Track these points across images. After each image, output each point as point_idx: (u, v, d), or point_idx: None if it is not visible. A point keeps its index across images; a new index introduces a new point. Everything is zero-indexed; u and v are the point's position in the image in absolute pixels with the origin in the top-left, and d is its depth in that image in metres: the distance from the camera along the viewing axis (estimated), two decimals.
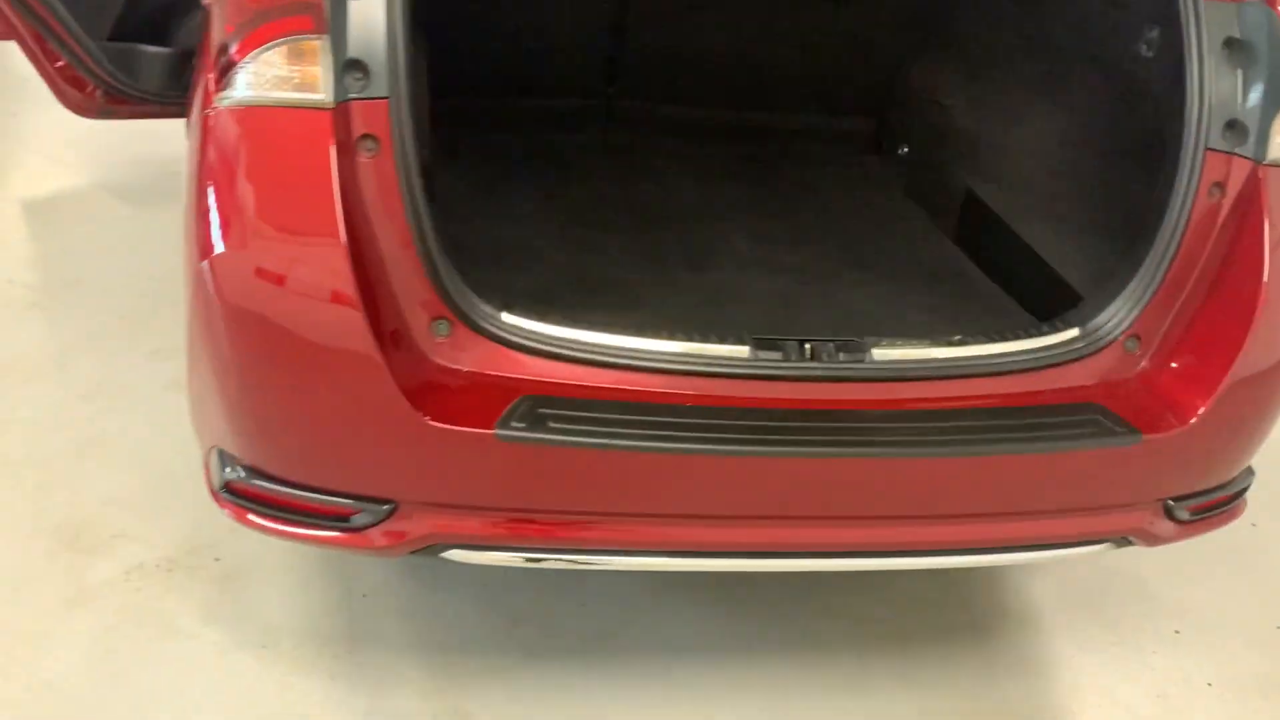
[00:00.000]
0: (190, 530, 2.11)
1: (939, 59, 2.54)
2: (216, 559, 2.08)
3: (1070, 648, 2.08)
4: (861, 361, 1.61)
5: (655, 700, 1.89)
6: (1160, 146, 1.71)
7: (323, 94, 1.41)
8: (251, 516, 1.59)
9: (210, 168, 1.45)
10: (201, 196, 1.45)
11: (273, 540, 1.71)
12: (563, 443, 1.46)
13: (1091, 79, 1.98)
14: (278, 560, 2.07)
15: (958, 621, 2.12)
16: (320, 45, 1.41)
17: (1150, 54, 1.81)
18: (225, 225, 1.43)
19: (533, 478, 1.52)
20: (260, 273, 1.42)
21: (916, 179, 2.57)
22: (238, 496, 1.59)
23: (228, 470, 1.58)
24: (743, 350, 1.59)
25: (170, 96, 2.82)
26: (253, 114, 1.43)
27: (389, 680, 1.90)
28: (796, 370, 1.59)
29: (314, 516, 1.57)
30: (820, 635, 2.05)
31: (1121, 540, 1.78)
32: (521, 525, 1.56)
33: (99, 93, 2.96)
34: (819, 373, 1.59)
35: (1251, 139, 1.64)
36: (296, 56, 1.41)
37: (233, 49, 1.44)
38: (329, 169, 1.39)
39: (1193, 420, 1.63)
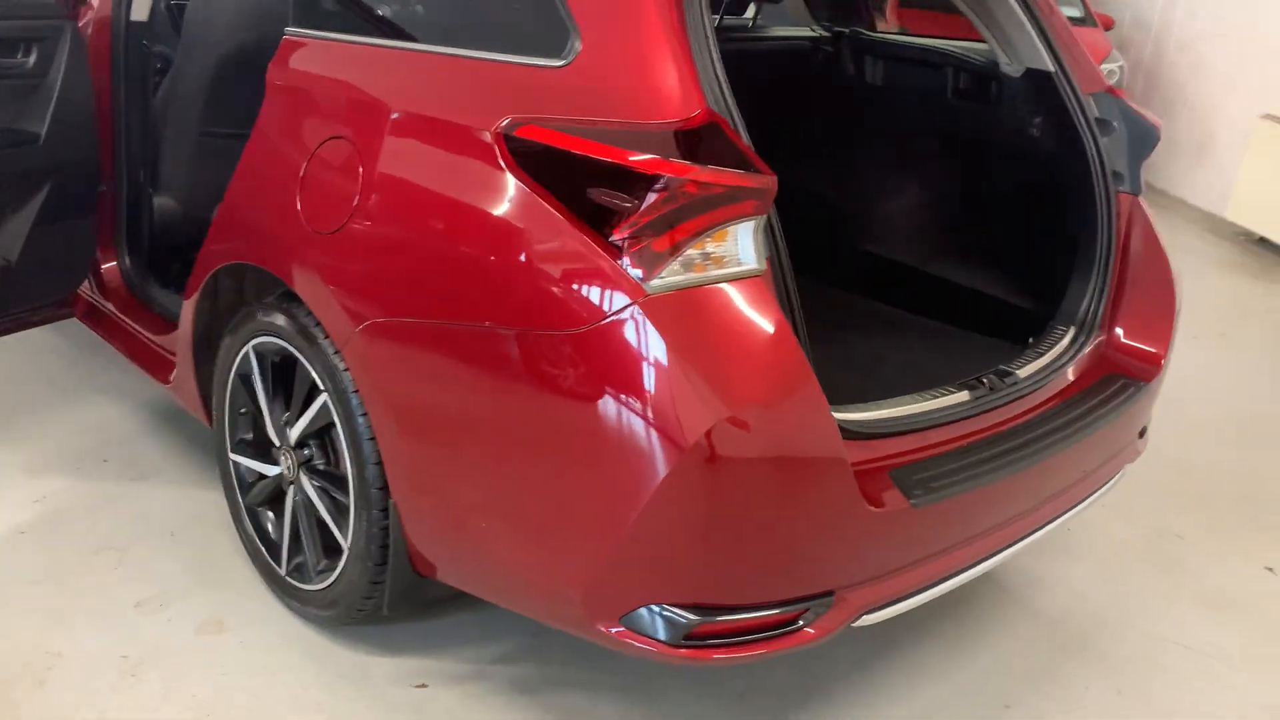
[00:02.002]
0: None
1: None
2: None
3: None
4: (1016, 384, 2.20)
5: None
6: (1058, 192, 2.53)
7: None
8: (716, 655, 1.74)
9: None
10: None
11: None
12: (949, 496, 1.86)
13: (997, 155, 2.76)
14: None
15: None
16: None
17: (1036, 133, 2.63)
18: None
19: (918, 533, 1.88)
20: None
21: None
22: (700, 640, 1.72)
23: (679, 619, 1.71)
24: (965, 395, 2.09)
25: None
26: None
27: None
28: (999, 400, 2.13)
29: (762, 631, 1.77)
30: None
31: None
32: (908, 575, 1.91)
33: None
34: (1002, 399, 2.15)
35: (1128, 181, 2.53)
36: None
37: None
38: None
39: (1163, 364, 2.47)
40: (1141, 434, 2.54)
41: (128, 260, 3.01)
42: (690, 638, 1.72)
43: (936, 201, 2.98)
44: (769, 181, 1.66)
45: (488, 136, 1.77)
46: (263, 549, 2.43)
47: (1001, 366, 2.22)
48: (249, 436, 2.46)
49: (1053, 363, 2.33)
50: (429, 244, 1.84)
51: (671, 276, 1.63)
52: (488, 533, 1.86)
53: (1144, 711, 2.34)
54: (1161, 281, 2.52)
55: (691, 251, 1.64)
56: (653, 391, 1.62)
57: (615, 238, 1.64)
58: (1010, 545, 2.11)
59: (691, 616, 1.71)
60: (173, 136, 3.02)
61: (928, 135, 2.98)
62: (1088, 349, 2.41)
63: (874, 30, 3.27)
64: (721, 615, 1.73)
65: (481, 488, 1.85)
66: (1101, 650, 2.51)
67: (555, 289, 1.69)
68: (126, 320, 2.92)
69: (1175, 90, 7.55)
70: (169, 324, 2.80)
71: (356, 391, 2.03)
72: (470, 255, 1.78)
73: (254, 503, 2.45)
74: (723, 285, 1.66)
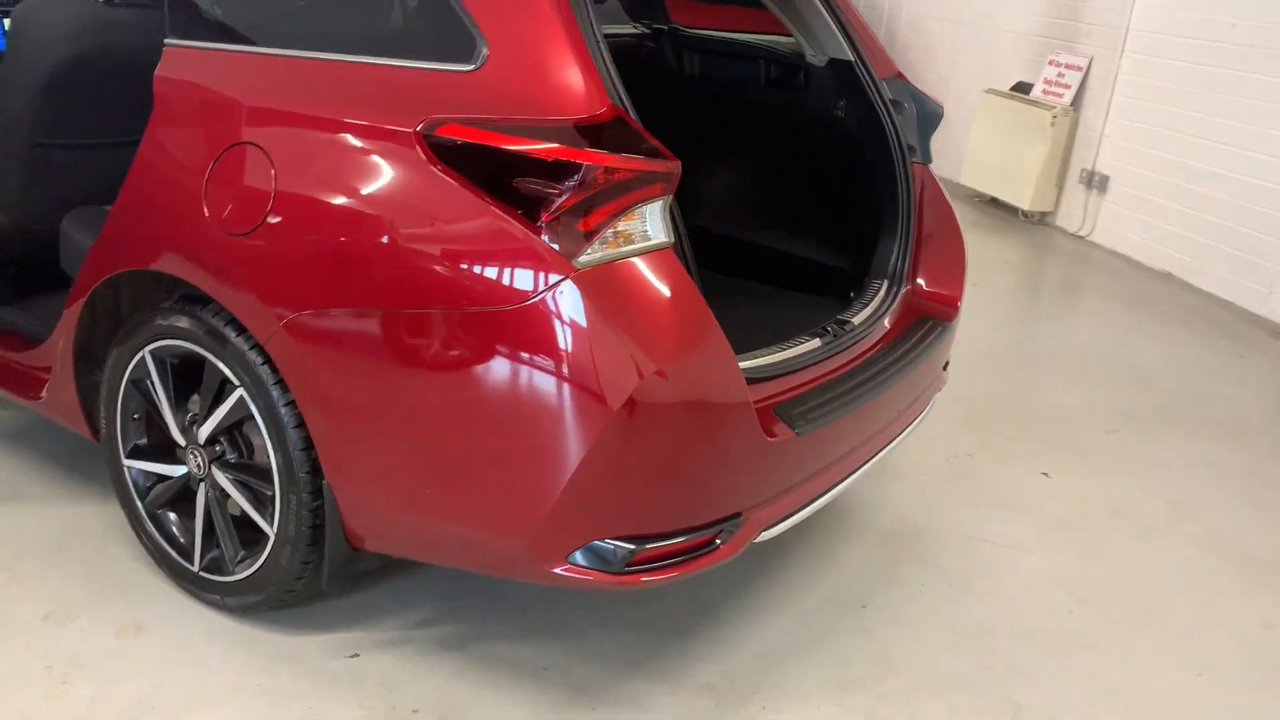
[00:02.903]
0: None
1: None
2: None
3: None
4: (853, 330, 2.58)
5: None
6: (863, 165, 2.95)
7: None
8: (645, 578, 2.00)
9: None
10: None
11: None
12: (823, 425, 2.20)
13: (808, 135, 3.14)
14: None
15: None
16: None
17: (841, 114, 3.03)
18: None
19: (801, 457, 2.22)
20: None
21: None
22: (636, 566, 1.98)
23: (620, 550, 1.96)
24: (817, 341, 2.45)
25: None
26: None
27: None
28: (842, 345, 2.50)
29: (685, 553, 2.05)
30: None
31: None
32: (794, 494, 2.24)
33: None
34: (845, 343, 2.52)
35: (919, 153, 2.97)
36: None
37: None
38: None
39: (959, 305, 2.93)
40: (945, 367, 3.00)
41: None
42: (628, 566, 1.98)
43: (757, 179, 3.35)
44: (674, 166, 1.93)
45: (408, 136, 1.94)
46: (169, 549, 2.48)
47: (838, 317, 2.60)
48: (143, 441, 2.49)
49: (876, 311, 2.73)
50: (352, 240, 1.99)
51: (595, 253, 1.88)
52: (431, 500, 2.04)
53: (970, 594, 2.79)
54: (952, 237, 2.98)
55: (608, 230, 1.89)
56: (587, 354, 1.86)
57: (543, 221, 1.86)
58: (864, 464, 2.49)
59: (629, 546, 1.97)
60: (0, 149, 2.94)
61: (745, 120, 3.33)
62: (899, 298, 2.84)
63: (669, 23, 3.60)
64: (652, 543, 2.00)
65: (424, 460, 2.02)
66: (926, 553, 2.97)
67: (488, 270, 1.89)
68: None
69: (907, 68, 8.39)
70: (27, 341, 2.76)
71: (278, 384, 2.15)
72: (398, 247, 1.95)
73: (154, 505, 2.49)
74: (638, 258, 1.91)
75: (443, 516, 2.06)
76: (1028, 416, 3.93)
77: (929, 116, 2.97)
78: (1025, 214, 6.95)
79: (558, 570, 1.99)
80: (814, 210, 3.20)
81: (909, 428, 2.71)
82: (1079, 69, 6.70)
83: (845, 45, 2.91)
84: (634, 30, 3.60)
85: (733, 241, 3.37)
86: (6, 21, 3.42)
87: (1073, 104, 6.72)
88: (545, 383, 1.87)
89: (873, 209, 2.94)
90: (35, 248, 3.13)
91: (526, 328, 1.88)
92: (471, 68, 1.96)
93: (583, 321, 1.86)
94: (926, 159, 2.99)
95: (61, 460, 3.01)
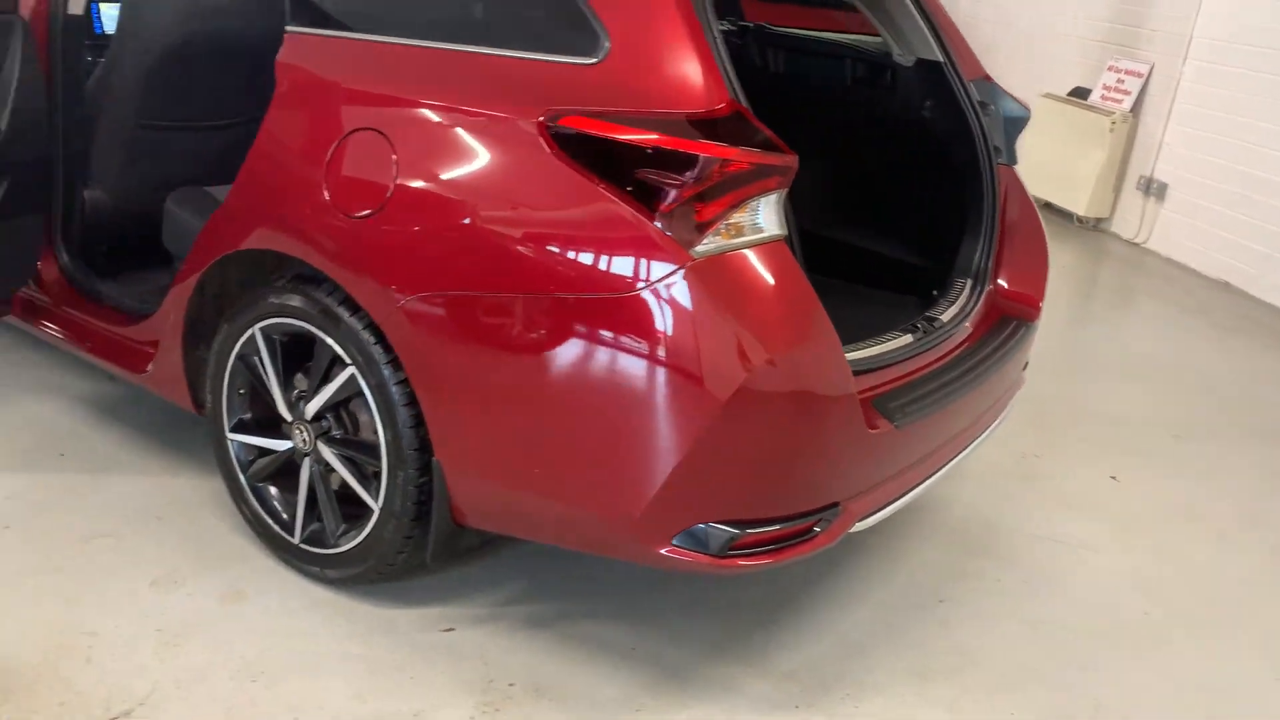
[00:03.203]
0: None
1: None
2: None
3: None
4: (942, 327, 2.62)
5: None
6: (948, 165, 2.98)
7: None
8: (743, 563, 2.06)
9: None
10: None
11: None
12: (920, 418, 2.25)
13: (893, 135, 3.17)
14: None
15: None
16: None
17: (928, 114, 3.06)
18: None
19: (898, 450, 2.26)
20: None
21: None
22: (736, 551, 2.04)
23: (723, 534, 2.02)
24: (909, 337, 2.49)
25: None
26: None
27: None
28: (932, 341, 2.54)
29: (784, 540, 2.10)
30: None
31: None
32: (889, 485, 2.29)
33: None
34: (935, 340, 2.56)
35: (1005, 154, 3.00)
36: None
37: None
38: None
39: (1041, 306, 2.96)
40: (1024, 367, 3.03)
41: (65, 256, 3.01)
42: (729, 550, 2.04)
43: (840, 177, 3.39)
44: (792, 160, 1.98)
45: (530, 126, 2.00)
46: (269, 522, 2.56)
47: (926, 314, 2.64)
48: (248, 416, 2.57)
49: (962, 309, 2.77)
50: (471, 225, 2.05)
51: (711, 243, 1.93)
52: (540, 480, 2.10)
53: (1045, 591, 2.83)
54: (1035, 237, 3.01)
55: (723, 222, 1.94)
56: (701, 341, 1.92)
57: (661, 211, 1.92)
58: (953, 459, 2.53)
59: (732, 531, 2.02)
60: (106, 129, 3.03)
61: (830, 119, 3.37)
62: (983, 297, 2.87)
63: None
64: (753, 529, 2.05)
65: (535, 441, 2.08)
66: (999, 550, 3.00)
67: (605, 258, 1.95)
68: (80, 316, 2.93)
69: None
70: (131, 316, 2.85)
71: (389, 363, 2.22)
72: (516, 233, 2.01)
73: (256, 479, 2.57)
74: (751, 249, 1.97)
75: (550, 496, 2.12)
76: (1091, 419, 3.94)
77: (1016, 118, 3.00)
78: (1080, 220, 6.94)
79: (662, 551, 2.05)
80: (897, 209, 3.23)
81: (993, 425, 2.75)
82: (1139, 75, 6.68)
83: (935, 46, 2.94)
84: (721, 27, 3.65)
85: (815, 238, 3.41)
86: (110, 6, 3.53)
87: (1132, 110, 6.70)
88: (662, 367, 1.93)
89: (957, 209, 2.97)
90: (132, 225, 3.23)
91: (642, 315, 1.93)
92: (594, 61, 2.01)
93: (697, 310, 1.91)
94: (1012, 160, 3.02)
95: (154, 433, 3.10)
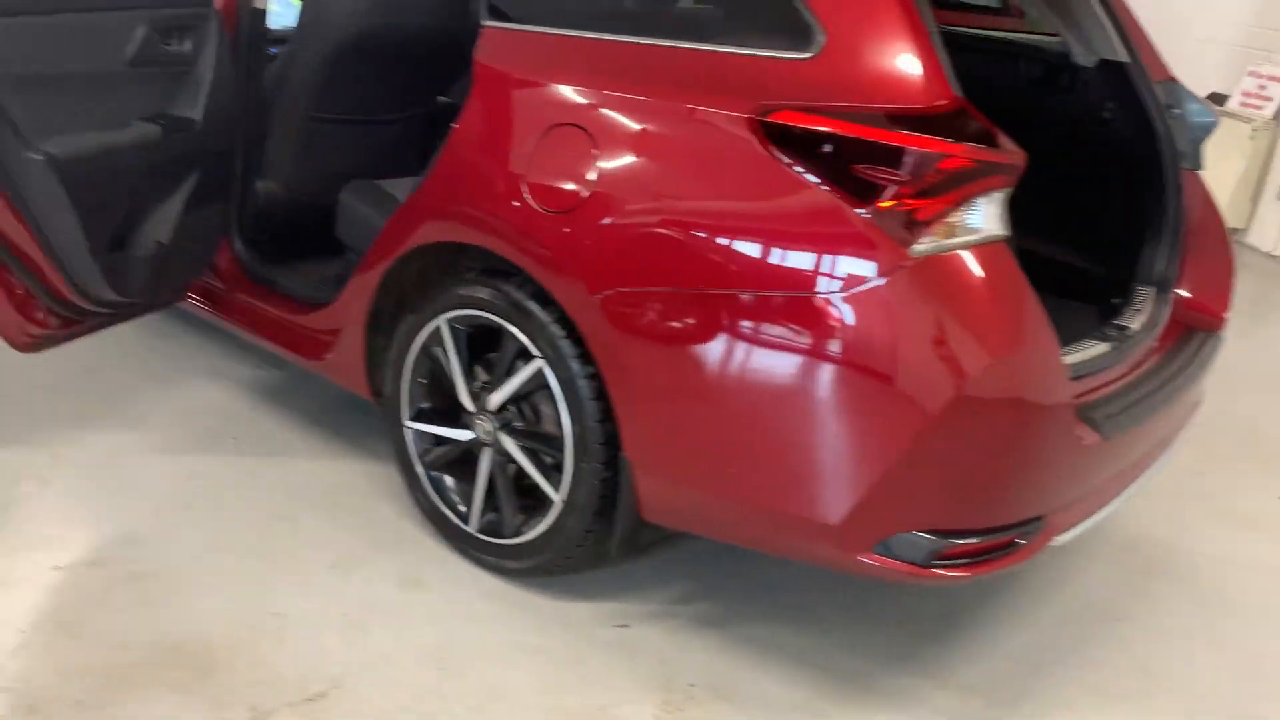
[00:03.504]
0: None
1: None
2: None
3: None
4: (1134, 336, 2.53)
5: None
6: (1131, 169, 2.87)
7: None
8: (943, 574, 2.01)
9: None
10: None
11: None
12: (1125, 430, 2.17)
13: (1073, 138, 3.09)
14: None
15: None
16: None
17: (1110, 116, 2.97)
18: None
19: (1102, 461, 2.19)
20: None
21: None
22: (938, 561, 1.99)
23: (928, 543, 1.97)
24: (1105, 346, 2.41)
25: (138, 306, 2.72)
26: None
27: None
28: (1126, 350, 2.45)
29: (986, 553, 2.05)
30: None
31: None
32: (1090, 499, 2.22)
33: (50, 318, 2.58)
34: (1128, 349, 2.47)
35: (1190, 159, 2.89)
36: None
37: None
38: None
39: (1224, 318, 2.84)
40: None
41: (240, 244, 3.08)
42: (931, 560, 1.99)
43: (1019, 181, 3.30)
44: (1019, 157, 1.92)
45: (739, 120, 1.98)
46: (445, 510, 2.58)
47: (1116, 322, 2.55)
48: (426, 405, 2.60)
49: (1150, 319, 2.67)
50: (675, 221, 2.04)
51: (930, 243, 1.88)
52: (737, 481, 2.08)
53: (1231, 615, 2.72)
54: (1220, 246, 2.89)
55: (944, 221, 1.89)
56: (918, 344, 1.87)
57: (880, 209, 1.88)
58: (1144, 474, 2.44)
59: (937, 541, 1.97)
60: (281, 120, 3.09)
61: (1006, 120, 3.28)
62: (1168, 306, 2.77)
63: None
64: (958, 539, 2.00)
65: (734, 441, 2.06)
66: (1176, 570, 2.89)
67: (819, 256, 1.92)
68: (254, 302, 3.00)
69: None
70: (307, 305, 2.90)
71: (579, 356, 2.22)
72: (724, 229, 1.99)
73: (432, 467, 2.60)
74: (971, 250, 1.91)
75: (743, 498, 2.10)
76: (1253, 437, 3.79)
77: (1202, 123, 2.89)
78: None
79: (860, 559, 2.01)
80: (1075, 214, 3.13)
81: (1180, 438, 2.65)
82: None
83: (1119, 46, 2.84)
84: None
85: None
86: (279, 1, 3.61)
87: (1274, 117, 6.45)
88: (875, 369, 1.89)
89: (1138, 215, 2.87)
90: (300, 215, 3.29)
91: (857, 315, 1.89)
92: (808, 55, 1.98)
93: (914, 311, 1.87)
94: (1197, 165, 2.91)
95: (318, 418, 3.15)
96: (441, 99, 3.37)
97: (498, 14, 2.36)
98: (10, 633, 2.20)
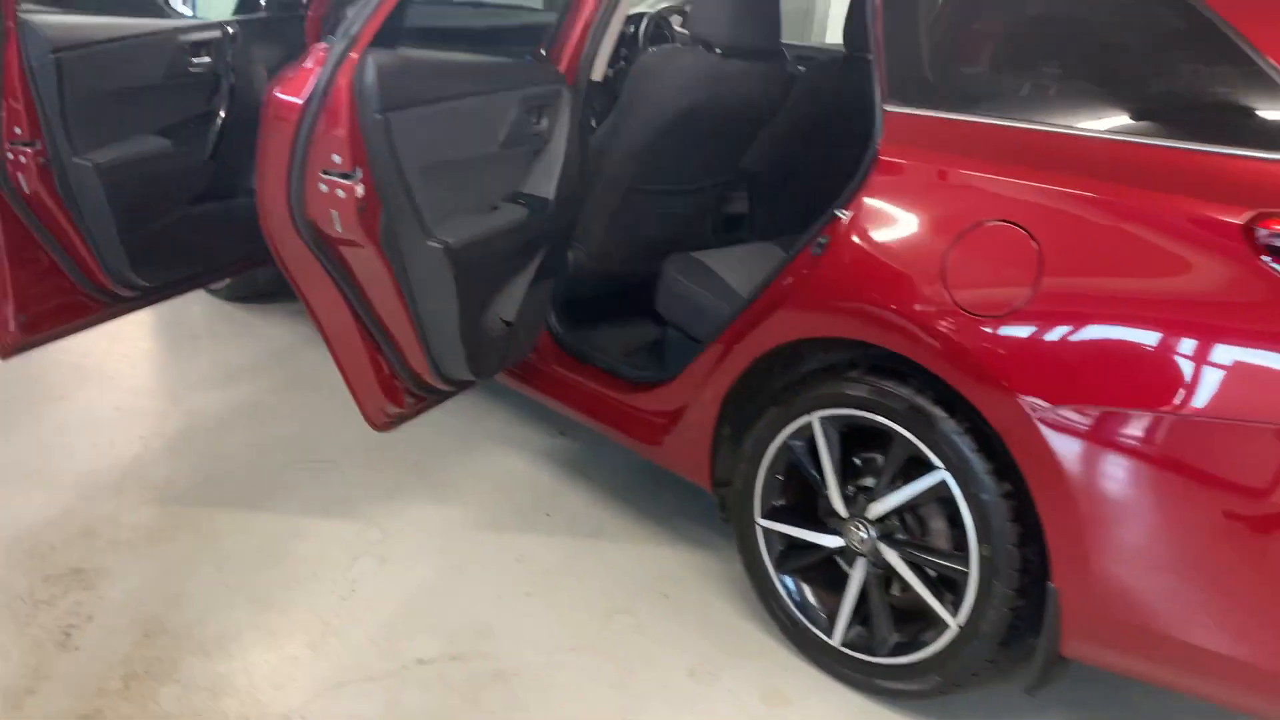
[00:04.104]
0: None
1: None
2: None
3: None
4: None
5: None
6: None
7: None
8: None
9: None
10: None
11: None
12: None
13: None
14: None
15: None
16: None
17: None
18: None
19: None
20: None
21: None
22: None
23: None
24: None
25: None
26: None
27: None
28: None
29: None
30: None
31: None
32: None
33: (407, 397, 2.57)
34: None
35: None
36: None
37: None
38: None
39: None
40: None
41: (553, 315, 3.01)
42: None
43: None
44: None
45: (1228, 226, 1.77)
46: (800, 617, 2.43)
47: None
48: (781, 503, 2.46)
49: None
50: (1143, 334, 1.84)
51: None
52: (1214, 629, 1.85)
53: None
54: None
55: None
56: None
57: None
58: None
59: None
60: (599, 193, 3.02)
61: None
62: None
63: None
64: None
65: (1216, 584, 1.84)
66: None
67: None
68: (571, 376, 2.92)
69: None
70: (630, 382, 2.80)
71: (991, 472, 2.04)
72: (1206, 346, 1.79)
73: (785, 569, 2.45)
74: None
75: (1221, 647, 1.87)
76: None
77: None
78: None
79: None
80: None
81: None
82: None
83: None
84: None
85: None
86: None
87: None
88: None
89: None
90: (606, 284, 3.22)
91: None
92: None
93: None
94: None
95: (626, 495, 3.05)
96: (744, 166, 3.27)
97: (903, 97, 2.21)
98: None
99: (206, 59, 3.03)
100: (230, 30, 3.11)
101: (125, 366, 3.59)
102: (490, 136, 2.38)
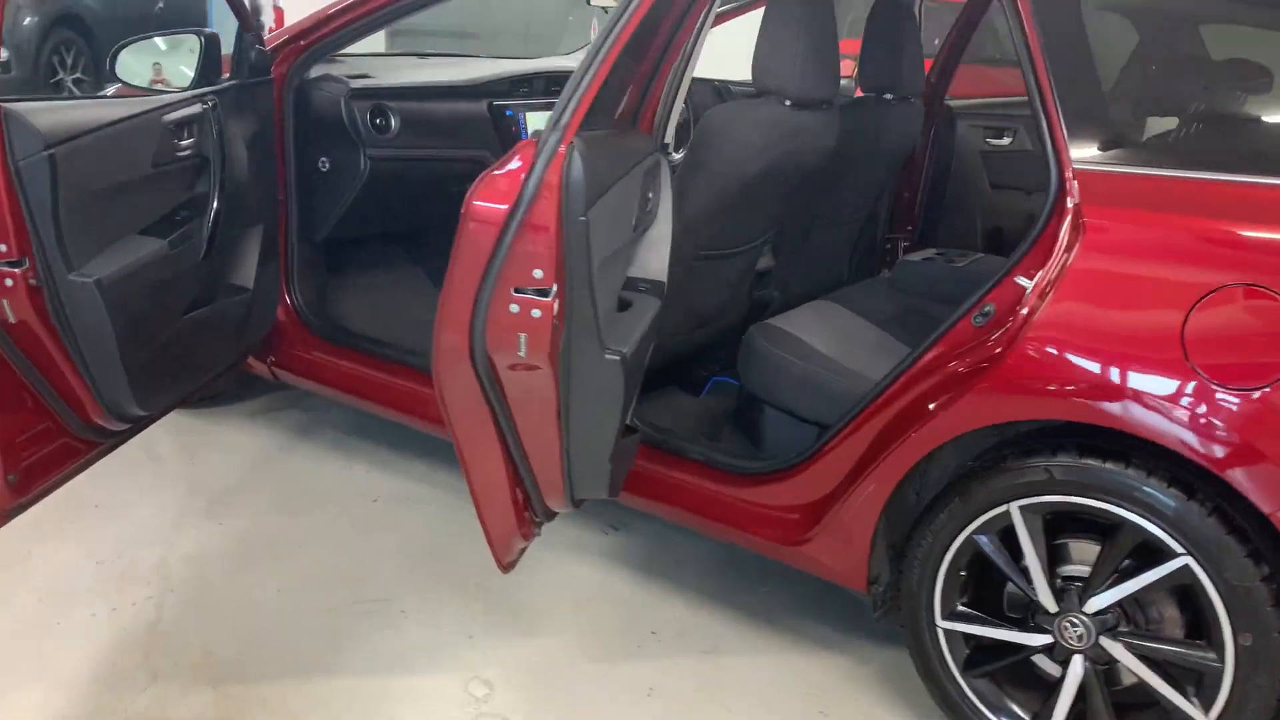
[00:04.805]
0: None
1: None
2: None
3: None
4: None
5: None
6: None
7: None
8: None
9: None
10: None
11: None
12: None
13: None
14: None
15: None
16: None
17: None
18: None
19: None
20: None
21: None
22: None
23: None
24: None
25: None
26: None
27: None
28: None
29: None
30: None
31: None
32: None
33: (534, 528, 2.25)
34: None
35: None
36: None
37: None
38: None
39: None
40: None
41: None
42: None
43: None
44: None
45: None
46: None
47: None
48: (964, 601, 2.22)
49: None
50: None
51: None
52: None
53: None
54: None
55: None
56: None
57: None
58: None
59: None
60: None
61: None
62: None
63: None
64: None
65: None
66: None
67: None
68: (685, 477, 2.59)
69: None
70: (750, 476, 2.51)
71: (1250, 554, 1.87)
72: None
73: (980, 674, 2.22)
74: None
75: None
76: None
77: None
78: None
79: None
80: None
81: None
82: None
83: None
84: None
85: None
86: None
87: None
88: None
89: None
90: (664, 356, 2.92)
91: None
92: None
93: None
94: None
95: (724, 595, 2.75)
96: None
97: (1113, 155, 2.02)
98: None
99: (190, 139, 2.55)
100: (210, 102, 2.64)
101: (88, 507, 2.99)
102: (626, 221, 2.05)
